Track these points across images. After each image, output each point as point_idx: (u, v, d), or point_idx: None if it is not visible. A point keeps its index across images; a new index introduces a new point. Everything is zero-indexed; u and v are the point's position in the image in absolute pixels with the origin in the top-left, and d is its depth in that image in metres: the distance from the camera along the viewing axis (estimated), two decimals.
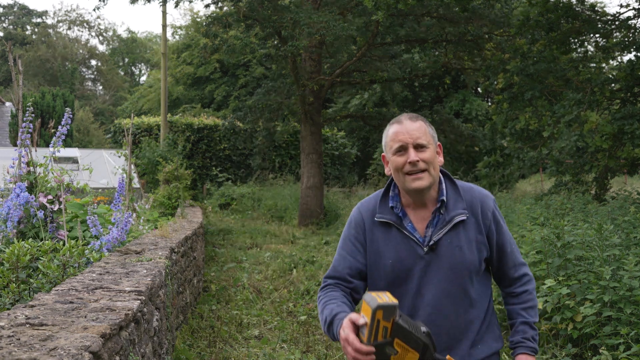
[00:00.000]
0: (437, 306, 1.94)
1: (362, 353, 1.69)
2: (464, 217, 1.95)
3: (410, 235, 1.96)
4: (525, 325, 2.01)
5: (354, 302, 2.08)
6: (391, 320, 1.66)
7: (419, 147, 1.91)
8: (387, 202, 2.03)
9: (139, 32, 67.42)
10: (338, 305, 1.94)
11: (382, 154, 2.04)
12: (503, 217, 2.08)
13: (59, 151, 4.57)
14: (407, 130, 1.93)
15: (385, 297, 1.66)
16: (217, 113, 25.57)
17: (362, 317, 1.69)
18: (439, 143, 2.03)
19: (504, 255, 2.03)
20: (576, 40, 9.15)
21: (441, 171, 2.03)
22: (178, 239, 4.86)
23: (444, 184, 2.00)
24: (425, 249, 1.94)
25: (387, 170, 2.01)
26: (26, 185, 4.31)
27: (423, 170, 1.91)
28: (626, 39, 8.76)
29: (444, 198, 1.96)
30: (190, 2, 27.24)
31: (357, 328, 1.71)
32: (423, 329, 1.73)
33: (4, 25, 46.36)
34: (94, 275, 2.85)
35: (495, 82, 10.64)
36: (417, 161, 1.89)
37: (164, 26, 15.40)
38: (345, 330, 1.72)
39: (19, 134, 4.42)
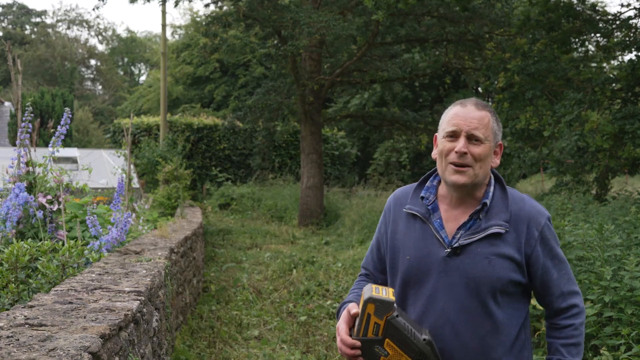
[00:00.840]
0: (450, 319, 1.70)
1: (346, 345, 1.60)
2: (502, 231, 1.69)
3: (435, 233, 1.75)
4: None
5: None
6: (384, 318, 1.54)
7: (472, 139, 1.69)
8: (419, 192, 1.83)
9: (139, 31, 67.44)
10: (354, 295, 1.83)
11: (435, 134, 1.82)
12: (557, 238, 1.80)
13: (58, 151, 4.55)
14: (466, 116, 1.70)
15: (384, 292, 1.55)
16: (216, 113, 25.56)
17: (357, 308, 1.62)
18: (500, 142, 1.78)
19: (549, 282, 1.75)
20: (577, 39, 9.15)
21: (494, 174, 1.81)
22: (177, 239, 4.85)
23: (492, 187, 1.76)
24: (448, 251, 1.71)
25: (434, 153, 1.80)
26: (25, 185, 4.30)
27: (469, 166, 1.69)
28: (627, 39, 8.75)
29: (487, 201, 1.72)
30: (190, 1, 27.18)
31: (353, 319, 1.63)
32: (424, 336, 1.58)
33: (3, 24, 46.34)
34: (93, 275, 2.85)
35: (496, 82, 10.63)
36: (465, 153, 1.68)
37: (164, 26, 15.38)
38: (341, 320, 1.66)
39: (18, 133, 4.41)
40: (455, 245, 1.70)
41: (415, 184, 1.89)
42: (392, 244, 1.83)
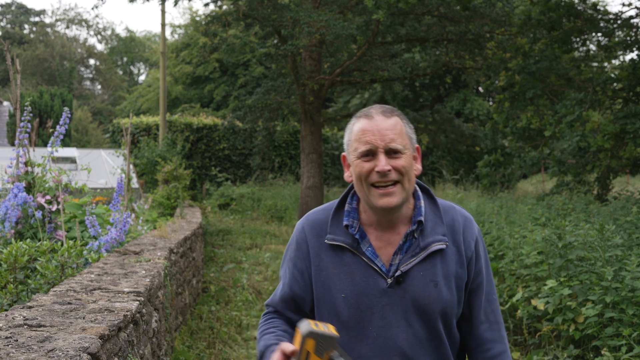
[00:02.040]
0: (407, 356, 1.52)
1: None
2: (443, 246, 1.53)
3: (371, 263, 1.54)
4: None
5: None
6: (325, 356, 1.35)
7: (391, 153, 1.48)
8: (342, 219, 1.59)
9: (138, 31, 67.42)
10: (275, 336, 1.57)
11: (343, 153, 1.61)
12: (485, 251, 1.64)
13: (57, 151, 4.54)
14: (378, 128, 1.49)
15: (324, 327, 1.35)
16: (216, 113, 25.55)
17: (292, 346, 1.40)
18: (417, 145, 1.58)
19: (476, 301, 1.58)
20: (578, 39, 9.15)
21: (418, 184, 1.61)
22: (177, 240, 4.84)
23: (422, 200, 1.58)
24: (390, 281, 1.51)
25: (347, 176, 1.58)
26: (24, 185, 4.28)
27: (395, 183, 1.49)
28: (628, 38, 8.76)
29: (422, 219, 1.53)
30: (190, 0, 27.17)
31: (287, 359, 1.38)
32: None
33: (2, 24, 46.34)
34: (92, 276, 2.84)
35: (497, 82, 10.62)
36: (389, 171, 1.47)
37: (163, 25, 15.37)
38: None
39: (17, 133, 4.39)
40: (397, 274, 1.51)
41: (330, 207, 1.64)
42: (319, 280, 1.58)
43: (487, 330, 1.58)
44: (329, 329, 1.35)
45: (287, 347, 1.36)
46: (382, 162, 1.47)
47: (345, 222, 1.57)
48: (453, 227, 1.57)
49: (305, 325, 1.35)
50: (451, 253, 1.55)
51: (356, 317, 1.54)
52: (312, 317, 1.63)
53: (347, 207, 1.60)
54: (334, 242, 1.57)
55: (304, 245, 1.62)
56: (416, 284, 1.52)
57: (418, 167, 1.56)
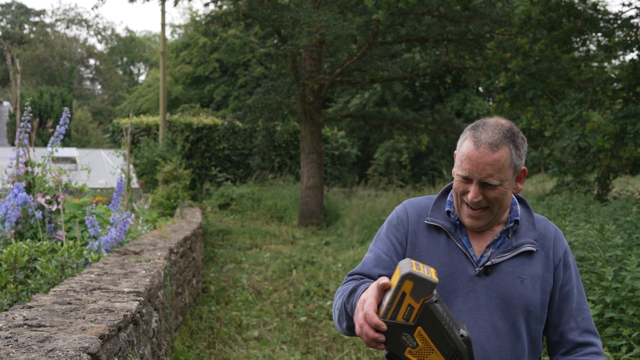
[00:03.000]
0: (479, 341, 1.56)
1: (371, 324, 1.32)
2: (534, 249, 1.60)
3: (463, 249, 1.62)
4: None
5: None
6: (421, 301, 1.30)
7: (486, 186, 1.54)
8: (444, 206, 1.69)
9: (138, 31, 67.43)
10: (363, 282, 1.60)
11: (455, 151, 1.66)
12: (576, 266, 1.69)
13: (57, 151, 4.54)
14: (479, 162, 1.52)
15: (425, 270, 1.31)
16: (216, 113, 25.55)
17: (391, 286, 1.34)
18: (523, 168, 1.60)
19: (566, 309, 1.62)
20: (578, 39, 9.14)
21: (517, 196, 1.71)
22: (177, 240, 4.83)
23: (517, 205, 1.67)
24: (478, 270, 1.59)
25: (454, 171, 1.65)
26: (24, 185, 4.28)
27: (486, 207, 1.57)
28: (628, 38, 8.75)
29: (518, 218, 1.63)
30: (190, 0, 27.17)
31: (382, 294, 1.36)
32: (463, 332, 1.36)
33: (2, 24, 46.34)
34: (92, 276, 2.84)
35: (497, 82, 10.62)
36: (479, 201, 1.55)
37: (163, 25, 15.36)
38: (368, 292, 1.37)
39: (17, 133, 4.39)
40: (487, 264, 1.59)
41: (432, 197, 1.74)
42: (412, 256, 1.65)
43: (579, 336, 1.61)
44: (430, 273, 1.31)
45: (384, 280, 1.36)
46: (473, 194, 1.54)
47: (447, 208, 1.66)
48: (544, 235, 1.64)
49: (407, 265, 1.30)
50: (540, 257, 1.61)
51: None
52: None
53: (449, 197, 1.69)
54: (433, 223, 1.65)
55: (405, 220, 1.69)
56: (503, 277, 1.58)
57: (519, 186, 1.62)
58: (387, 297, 1.32)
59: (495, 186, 1.53)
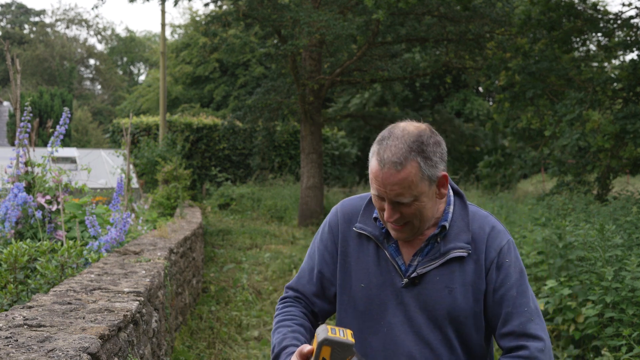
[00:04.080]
0: (412, 355, 1.51)
1: None
2: (464, 254, 1.50)
3: (392, 259, 1.55)
4: None
5: (317, 321, 1.68)
6: None
7: (400, 204, 1.46)
8: (373, 210, 1.60)
9: (138, 31, 67.43)
10: (292, 331, 1.55)
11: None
12: (519, 265, 1.55)
13: (57, 151, 4.54)
14: (385, 182, 1.44)
15: (341, 333, 1.32)
16: (216, 113, 25.55)
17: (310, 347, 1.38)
18: (441, 175, 1.49)
19: (500, 313, 1.50)
20: (578, 39, 9.15)
21: (453, 188, 1.62)
22: (177, 240, 4.83)
23: (452, 206, 1.57)
24: (405, 281, 1.52)
25: None
26: (24, 185, 4.28)
27: (407, 221, 1.49)
28: (628, 38, 8.75)
29: (446, 224, 1.53)
30: (190, 0, 27.16)
31: None
32: None
33: (2, 24, 46.35)
34: (92, 276, 2.84)
35: (497, 81, 10.62)
36: (396, 219, 1.48)
37: (163, 25, 15.37)
38: None
39: (17, 133, 4.39)
40: (413, 275, 1.51)
41: (365, 197, 1.65)
42: (343, 266, 1.60)
43: (511, 341, 1.48)
44: (346, 335, 1.32)
45: (306, 349, 1.36)
46: (387, 214, 1.47)
47: (375, 214, 1.58)
48: (478, 236, 1.53)
49: (322, 332, 1.32)
50: (471, 262, 1.51)
51: (371, 310, 1.55)
52: (334, 303, 1.62)
53: None
54: (361, 231, 1.59)
55: (336, 228, 1.63)
56: (430, 287, 1.51)
57: (443, 191, 1.52)
58: None
59: (408, 203, 1.45)
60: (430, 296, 1.50)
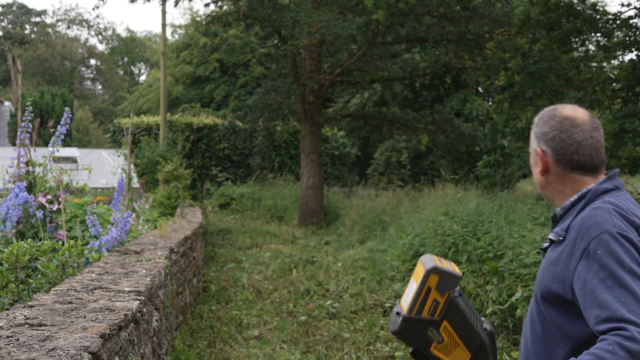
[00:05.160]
0: (525, 328, 1.65)
1: None
2: (554, 238, 1.62)
3: None
4: None
5: None
6: (446, 295, 1.30)
7: None
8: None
9: (139, 31, 67.43)
10: None
11: None
12: (618, 258, 1.45)
13: (58, 151, 4.56)
14: None
15: (448, 265, 1.32)
16: (216, 112, 25.56)
17: (412, 282, 1.34)
18: (537, 148, 1.67)
19: (579, 294, 1.49)
20: (577, 39, 9.14)
21: (594, 188, 1.62)
22: (177, 239, 4.85)
23: (574, 198, 1.64)
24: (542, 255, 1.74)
25: None
26: (25, 185, 4.30)
27: None
28: (627, 38, 8.75)
29: (557, 211, 1.69)
30: (190, 1, 27.18)
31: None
32: (486, 326, 1.38)
33: (3, 24, 46.36)
34: (93, 275, 2.85)
35: (496, 82, 10.63)
36: None
37: (164, 25, 15.38)
38: None
39: (18, 133, 4.41)
40: (540, 249, 1.71)
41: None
42: None
43: (599, 325, 1.41)
44: (453, 267, 1.32)
45: None
46: None
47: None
48: (574, 225, 1.56)
49: (430, 261, 1.30)
50: (562, 248, 1.57)
51: None
52: None
53: None
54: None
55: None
56: (543, 263, 1.65)
57: (535, 170, 1.69)
58: (412, 292, 1.31)
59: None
60: (540, 270, 1.65)
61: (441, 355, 1.34)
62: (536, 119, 1.69)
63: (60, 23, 46.69)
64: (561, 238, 1.58)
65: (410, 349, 1.37)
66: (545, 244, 1.67)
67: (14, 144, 16.00)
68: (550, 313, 1.57)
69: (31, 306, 2.13)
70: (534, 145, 1.68)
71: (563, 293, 1.53)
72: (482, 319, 1.38)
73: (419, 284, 1.30)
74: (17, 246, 3.12)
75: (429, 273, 1.29)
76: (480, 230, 5.94)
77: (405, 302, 1.33)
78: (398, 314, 1.36)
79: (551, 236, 1.63)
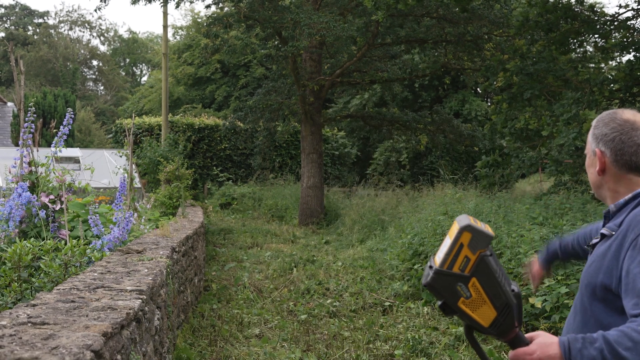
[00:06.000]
0: (568, 318, 1.78)
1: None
2: (606, 232, 1.68)
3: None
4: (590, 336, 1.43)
5: None
6: (477, 253, 1.34)
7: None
8: None
9: (140, 32, 67.47)
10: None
11: None
12: None
13: (60, 151, 4.60)
14: None
15: (482, 224, 1.36)
16: (217, 113, 25.60)
17: (447, 238, 1.39)
18: (597, 149, 1.72)
19: (622, 282, 1.53)
20: (575, 40, 9.15)
21: None
22: (179, 239, 4.88)
23: (628, 196, 1.70)
24: (589, 251, 1.80)
25: None
26: (28, 185, 4.35)
27: None
28: (625, 40, 8.77)
29: (611, 207, 1.74)
30: (191, 2, 27.25)
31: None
32: (514, 287, 1.41)
33: (6, 25, 46.41)
34: (95, 274, 2.86)
35: (495, 83, 10.65)
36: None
37: (165, 27, 15.43)
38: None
39: (21, 134, 4.45)
40: (589, 245, 1.79)
41: None
42: None
43: (632, 309, 1.47)
44: (486, 227, 1.37)
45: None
46: None
47: None
48: (629, 221, 1.61)
49: (465, 219, 1.36)
50: (614, 243, 1.62)
51: None
52: None
53: None
54: None
55: None
56: (591, 257, 1.72)
57: (593, 170, 1.75)
58: (445, 248, 1.36)
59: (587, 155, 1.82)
60: (588, 264, 1.74)
61: (468, 311, 1.38)
62: (595, 122, 1.75)
63: (62, 24, 46.78)
64: (613, 232, 1.65)
65: (439, 302, 1.42)
66: (595, 240, 1.74)
67: (16, 144, 16.02)
68: (592, 305, 1.65)
69: (34, 305, 2.13)
70: (593, 146, 1.74)
71: (609, 284, 1.57)
72: (511, 281, 1.43)
73: (452, 240, 1.35)
74: (20, 245, 3.15)
75: (463, 230, 1.34)
76: None
77: (439, 257, 1.38)
78: (430, 267, 1.40)
79: (604, 231, 1.69)
